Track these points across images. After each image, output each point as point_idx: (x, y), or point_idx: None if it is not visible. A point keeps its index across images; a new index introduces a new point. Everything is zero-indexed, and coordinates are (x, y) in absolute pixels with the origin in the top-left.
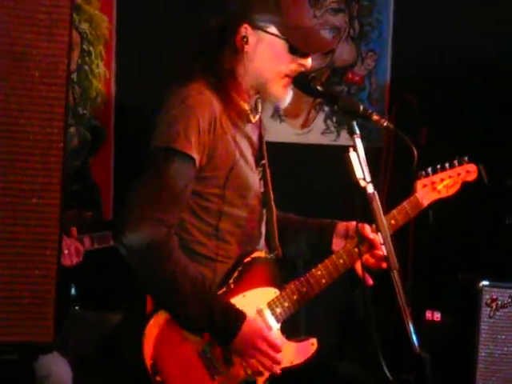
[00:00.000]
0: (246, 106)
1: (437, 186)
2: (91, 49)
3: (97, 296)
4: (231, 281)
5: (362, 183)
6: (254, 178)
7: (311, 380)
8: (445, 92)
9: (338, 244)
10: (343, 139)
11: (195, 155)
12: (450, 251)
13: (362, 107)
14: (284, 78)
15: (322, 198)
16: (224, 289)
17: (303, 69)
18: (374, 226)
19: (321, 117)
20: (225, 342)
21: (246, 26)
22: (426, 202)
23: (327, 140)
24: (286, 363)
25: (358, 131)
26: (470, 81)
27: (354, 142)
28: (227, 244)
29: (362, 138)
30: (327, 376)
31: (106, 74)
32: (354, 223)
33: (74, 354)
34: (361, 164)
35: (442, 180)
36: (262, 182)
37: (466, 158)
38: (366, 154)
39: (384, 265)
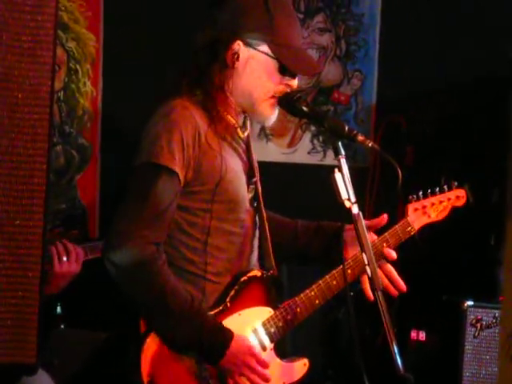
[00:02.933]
0: (234, 121)
1: (427, 210)
2: (78, 67)
3: (83, 314)
4: (228, 299)
5: (347, 204)
6: (244, 193)
7: None
8: (431, 112)
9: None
10: (329, 159)
11: (179, 170)
12: (435, 271)
13: (347, 128)
14: (272, 98)
15: (309, 217)
16: (221, 307)
17: (289, 89)
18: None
19: (307, 136)
20: (213, 362)
21: (238, 42)
22: (416, 226)
23: (313, 160)
24: (278, 383)
25: (343, 152)
26: (456, 101)
27: (340, 163)
28: (216, 260)
29: (348, 157)
30: None
31: (92, 93)
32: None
33: (59, 374)
34: (346, 185)
35: (433, 204)
36: (254, 198)
37: (456, 183)
38: (351, 174)
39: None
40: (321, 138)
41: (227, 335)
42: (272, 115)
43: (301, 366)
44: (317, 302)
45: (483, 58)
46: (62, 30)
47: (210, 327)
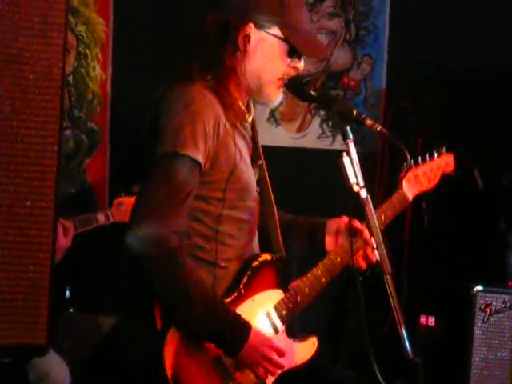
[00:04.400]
0: (243, 106)
1: (420, 179)
2: (87, 51)
3: (91, 298)
4: (241, 286)
5: (356, 188)
6: (253, 180)
7: (305, 383)
8: (441, 97)
9: (331, 242)
10: (339, 144)
11: (202, 160)
12: (444, 256)
13: (355, 112)
14: (279, 80)
15: (317, 202)
16: (235, 294)
17: (296, 72)
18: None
19: (316, 121)
20: (232, 353)
21: (250, 25)
22: (411, 196)
23: (323, 144)
24: (290, 364)
25: (351, 136)
26: (465, 86)
27: (348, 147)
28: (226, 247)
29: (357, 142)
30: (321, 380)
31: (102, 77)
32: (345, 218)
33: (69, 357)
34: (354, 169)
35: (425, 173)
36: (258, 182)
37: (444, 149)
38: (360, 158)
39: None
40: (330, 123)
41: (246, 327)
42: (278, 97)
43: (310, 345)
44: (323, 280)
45: (496, 42)
46: (71, 14)
47: (230, 320)
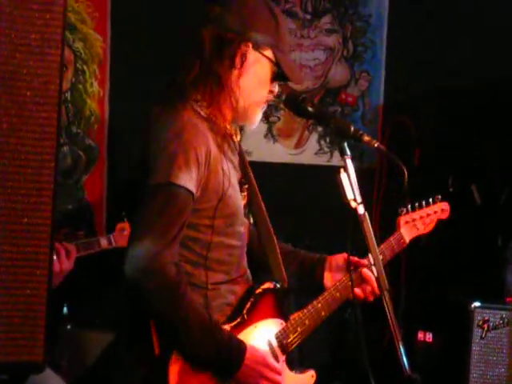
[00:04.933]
0: (230, 129)
1: (416, 223)
2: (85, 68)
3: (89, 315)
4: (245, 311)
5: (353, 204)
6: (240, 205)
7: None
8: (438, 113)
9: (329, 278)
10: (336, 160)
11: (194, 190)
12: (442, 272)
13: (352, 128)
14: (264, 103)
15: (315, 218)
16: (238, 319)
17: (272, 96)
18: (368, 257)
19: (314, 137)
20: (230, 375)
21: (248, 44)
22: (407, 239)
23: (320, 160)
24: None
25: (348, 152)
26: (463, 102)
27: (345, 163)
28: (216, 272)
29: (355, 158)
30: None
31: (99, 93)
32: (344, 255)
33: (66, 373)
34: (352, 185)
35: (421, 218)
36: (250, 207)
37: (440, 197)
38: (358, 174)
39: (371, 298)
40: (328, 139)
41: (241, 347)
42: (258, 120)
43: (309, 378)
44: (323, 313)
45: (492, 58)
46: (69, 30)
47: (226, 342)
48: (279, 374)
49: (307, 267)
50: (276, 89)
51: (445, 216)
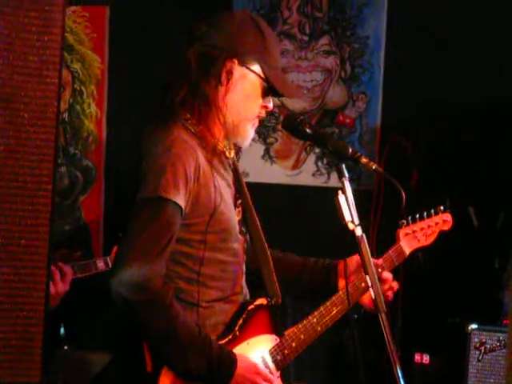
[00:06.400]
0: (221, 146)
1: (417, 234)
2: (83, 88)
3: (85, 336)
4: (236, 328)
5: (351, 226)
6: (234, 220)
7: None
8: (436, 135)
9: (343, 283)
10: (334, 181)
11: (183, 204)
12: (439, 294)
13: (350, 150)
14: (255, 119)
15: (313, 239)
16: (230, 336)
17: (266, 112)
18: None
19: (312, 158)
20: None
21: (234, 60)
22: (408, 251)
23: (318, 182)
24: None
25: (346, 174)
26: (461, 124)
27: (343, 185)
28: (209, 288)
29: (353, 180)
30: None
31: (97, 114)
32: (356, 257)
33: None
34: (349, 207)
35: (422, 229)
36: (245, 223)
37: (442, 208)
38: (356, 196)
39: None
40: (325, 160)
41: (232, 358)
42: (250, 138)
43: None
44: (319, 328)
45: (488, 81)
46: (67, 51)
47: (217, 353)
48: (271, 382)
49: (319, 275)
50: (270, 104)
51: (447, 227)
